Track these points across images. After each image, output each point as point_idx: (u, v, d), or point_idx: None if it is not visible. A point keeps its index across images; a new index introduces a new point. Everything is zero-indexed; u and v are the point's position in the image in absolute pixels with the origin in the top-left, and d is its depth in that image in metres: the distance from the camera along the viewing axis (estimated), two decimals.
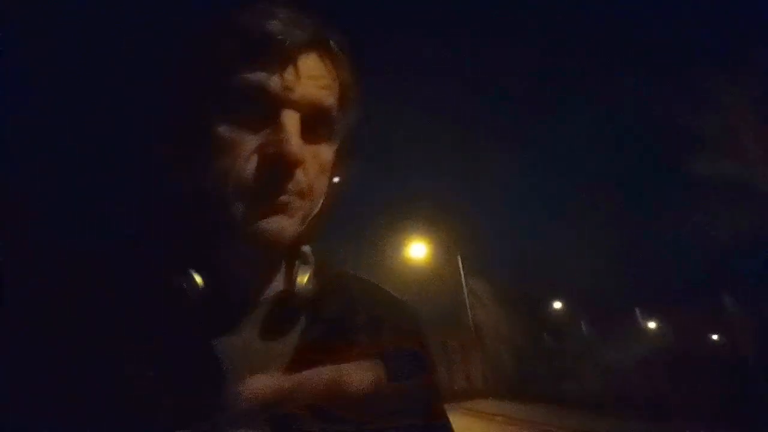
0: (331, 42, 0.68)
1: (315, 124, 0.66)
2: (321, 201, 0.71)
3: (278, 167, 0.63)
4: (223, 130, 0.63)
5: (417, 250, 21.73)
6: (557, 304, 22.37)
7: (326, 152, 0.70)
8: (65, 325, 0.61)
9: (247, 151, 0.63)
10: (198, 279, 0.64)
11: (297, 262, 0.72)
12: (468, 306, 20.01)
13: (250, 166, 0.63)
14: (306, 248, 0.74)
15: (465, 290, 20.32)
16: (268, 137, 0.63)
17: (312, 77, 0.65)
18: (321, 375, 0.57)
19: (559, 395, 12.97)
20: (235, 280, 0.69)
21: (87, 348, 0.60)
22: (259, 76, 0.62)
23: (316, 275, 0.72)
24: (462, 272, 20.57)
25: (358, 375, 0.58)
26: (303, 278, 0.70)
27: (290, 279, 0.71)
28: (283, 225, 0.65)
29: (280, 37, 0.62)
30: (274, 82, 0.63)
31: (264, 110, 0.63)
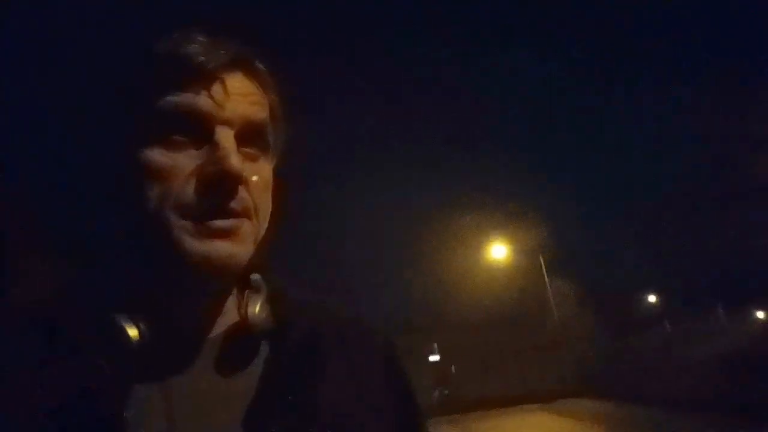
0: (255, 62, 0.68)
1: (250, 140, 0.65)
2: (266, 223, 0.69)
3: (220, 186, 0.61)
4: (157, 155, 0.61)
5: (498, 251, 22.36)
6: (640, 303, 22.32)
7: (266, 169, 0.68)
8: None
9: (184, 173, 0.61)
10: (132, 331, 0.60)
11: (247, 292, 0.70)
12: (553, 306, 20.49)
13: (189, 188, 0.60)
14: (255, 276, 0.72)
15: (549, 290, 20.80)
16: (205, 157, 0.61)
17: (241, 94, 0.64)
18: None
19: (644, 395, 13.31)
20: (182, 318, 0.66)
21: (21, 400, 0.58)
22: (186, 97, 0.61)
23: (271, 303, 0.70)
24: (545, 272, 21.04)
25: None
26: (255, 307, 0.68)
27: (243, 310, 0.68)
28: (233, 250, 0.62)
29: (201, 58, 0.61)
30: (203, 100, 0.61)
31: (197, 130, 0.62)
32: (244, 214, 0.63)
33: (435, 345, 21.98)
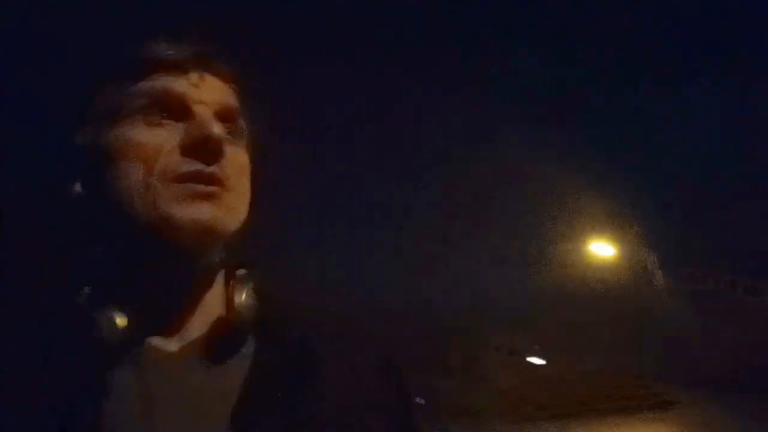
0: (220, 61, 0.71)
1: (224, 123, 0.67)
2: (245, 208, 0.69)
3: (202, 150, 0.63)
4: (138, 133, 0.64)
5: (600, 248, 21.73)
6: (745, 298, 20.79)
7: (241, 154, 0.70)
8: None
9: (167, 147, 0.63)
10: (120, 320, 0.61)
11: (232, 282, 0.70)
12: (656, 302, 19.66)
13: (172, 158, 0.63)
14: (241, 271, 0.72)
15: (653, 287, 19.98)
16: (186, 131, 0.64)
17: (213, 84, 0.69)
18: None
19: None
20: (167, 309, 0.66)
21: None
22: (162, 81, 0.65)
23: (258, 299, 0.70)
24: (652, 268, 20.24)
25: None
26: (240, 296, 0.68)
27: (229, 305, 0.68)
28: (216, 213, 0.63)
29: (170, 52, 0.67)
30: (179, 83, 0.66)
31: (176, 110, 0.65)
32: (224, 185, 0.65)
33: (536, 347, 21.77)
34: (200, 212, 0.63)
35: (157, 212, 0.62)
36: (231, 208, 0.66)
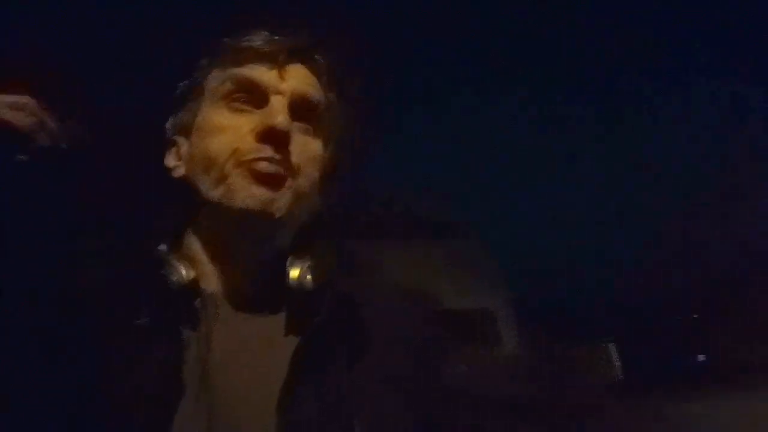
0: (314, 54, 0.78)
1: (303, 116, 0.74)
2: (310, 193, 0.74)
3: (269, 138, 0.69)
4: (221, 116, 0.72)
5: None
6: None
7: (314, 144, 0.76)
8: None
9: (242, 132, 0.70)
10: (186, 273, 0.67)
11: (290, 258, 0.74)
12: None
13: (245, 142, 0.70)
14: (306, 250, 0.75)
15: None
16: (260, 118, 0.71)
17: (297, 76, 0.75)
18: None
19: None
20: (233, 273, 0.73)
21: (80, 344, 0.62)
22: (247, 69, 0.73)
23: (322, 273, 0.73)
24: None
25: None
26: (296, 272, 0.72)
27: (291, 278, 0.72)
28: (270, 197, 0.69)
29: (259, 43, 0.74)
30: (261, 73, 0.73)
31: (255, 98, 0.73)
32: (288, 169, 0.71)
33: None
34: (258, 193, 0.69)
35: (222, 189, 0.70)
36: (288, 191, 0.71)
